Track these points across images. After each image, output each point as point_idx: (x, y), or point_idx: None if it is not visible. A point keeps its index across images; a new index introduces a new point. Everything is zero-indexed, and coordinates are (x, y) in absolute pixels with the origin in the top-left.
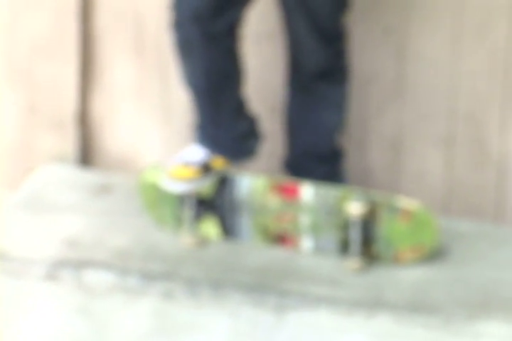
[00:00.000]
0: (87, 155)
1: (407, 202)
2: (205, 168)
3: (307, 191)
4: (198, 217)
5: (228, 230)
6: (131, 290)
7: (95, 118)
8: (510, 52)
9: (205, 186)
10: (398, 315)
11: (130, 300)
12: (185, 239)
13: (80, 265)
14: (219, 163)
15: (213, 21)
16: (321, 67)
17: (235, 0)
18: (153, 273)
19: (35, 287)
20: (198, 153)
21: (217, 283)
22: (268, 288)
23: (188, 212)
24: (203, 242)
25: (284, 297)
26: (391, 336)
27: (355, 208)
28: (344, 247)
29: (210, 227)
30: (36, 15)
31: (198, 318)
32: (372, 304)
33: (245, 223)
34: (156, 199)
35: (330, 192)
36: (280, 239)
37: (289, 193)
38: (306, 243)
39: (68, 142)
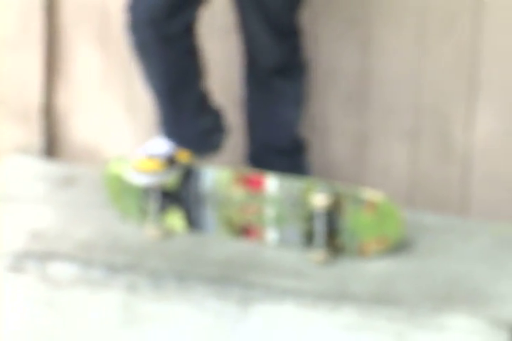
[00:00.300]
0: (52, 146)
1: (371, 194)
2: (170, 161)
3: (271, 183)
4: (163, 209)
5: (193, 222)
6: (95, 282)
7: (60, 109)
8: (475, 47)
9: (170, 179)
10: (363, 307)
11: (94, 292)
12: (149, 231)
13: (44, 257)
14: (184, 156)
15: (169, 23)
16: (276, 63)
17: (190, 0)
18: (118, 265)
19: None
20: (162, 146)
21: (181, 275)
22: (232, 280)
23: (152, 205)
24: (167, 234)
25: (249, 289)
26: (356, 328)
27: (319, 200)
28: (309, 239)
29: (175, 219)
30: (1, 7)
31: (162, 310)
32: (337, 296)
33: (210, 215)
34: (120, 191)
35: (294, 183)
36: (245, 231)
37: (253, 185)
38: (271, 235)
39: (33, 133)
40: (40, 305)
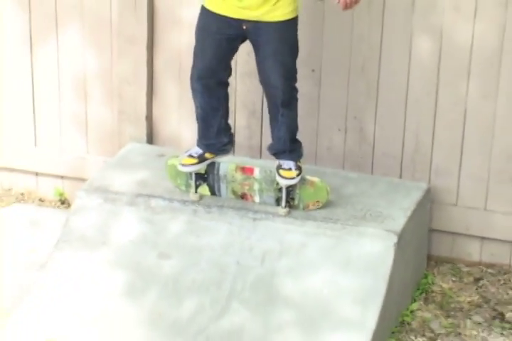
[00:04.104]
0: (151, 138)
1: (312, 178)
2: (202, 158)
3: (258, 171)
4: (198, 184)
5: (215, 192)
6: (175, 210)
7: (156, 118)
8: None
9: (202, 168)
10: (317, 224)
11: (175, 215)
12: (192, 196)
13: (147, 196)
14: (209, 155)
15: (209, 80)
16: (283, 99)
17: (223, 67)
18: (186, 201)
19: (122, 209)
20: (198, 150)
21: (220, 206)
22: (246, 209)
23: (192, 182)
24: (201, 197)
25: (256, 214)
26: (316, 234)
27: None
28: (277, 202)
29: (205, 190)
30: (124, 61)
31: (212, 226)
32: (300, 221)
33: (223, 188)
34: (175, 174)
35: (270, 172)
36: (243, 196)
37: (247, 172)
38: (257, 198)
39: (141, 131)
40: (145, 223)
